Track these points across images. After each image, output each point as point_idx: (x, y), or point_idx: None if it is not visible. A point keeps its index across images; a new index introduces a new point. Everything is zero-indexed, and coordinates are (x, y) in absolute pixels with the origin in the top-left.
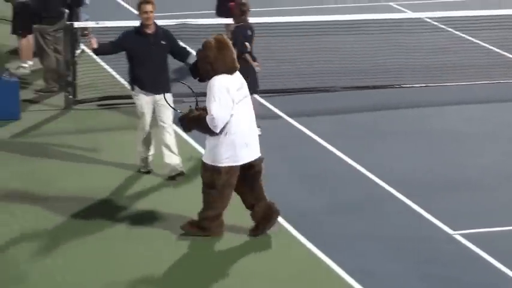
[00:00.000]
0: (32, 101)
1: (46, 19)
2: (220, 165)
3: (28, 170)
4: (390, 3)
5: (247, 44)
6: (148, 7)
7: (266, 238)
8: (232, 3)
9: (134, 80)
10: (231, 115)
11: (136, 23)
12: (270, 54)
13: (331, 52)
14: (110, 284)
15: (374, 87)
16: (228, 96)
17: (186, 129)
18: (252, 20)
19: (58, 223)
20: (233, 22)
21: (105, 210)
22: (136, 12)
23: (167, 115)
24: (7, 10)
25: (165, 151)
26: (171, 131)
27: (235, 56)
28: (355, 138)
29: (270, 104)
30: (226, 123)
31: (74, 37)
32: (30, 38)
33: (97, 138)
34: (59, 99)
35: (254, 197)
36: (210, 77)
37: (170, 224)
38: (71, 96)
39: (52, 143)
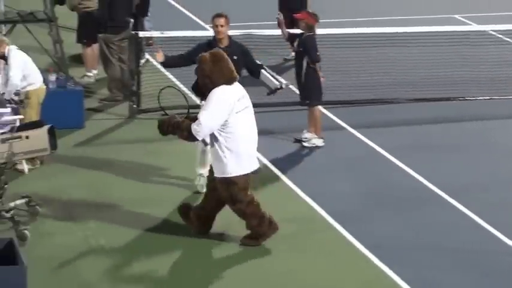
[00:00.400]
0: (96, 110)
1: (111, 28)
2: (230, 175)
3: (91, 178)
4: (455, 16)
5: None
6: (220, 21)
7: (327, 249)
8: (298, 15)
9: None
10: (229, 127)
11: (200, 33)
12: (334, 66)
13: (395, 64)
14: None
15: (437, 99)
16: (223, 110)
17: (163, 133)
18: (318, 31)
19: (120, 232)
20: (304, 31)
21: (167, 220)
22: (201, 22)
23: None
24: (72, 19)
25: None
26: None
27: (232, 66)
28: (417, 151)
29: (334, 115)
30: (228, 133)
31: (138, 46)
32: (95, 47)
33: (160, 148)
34: (123, 108)
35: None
36: (210, 90)
37: (226, 233)
38: (135, 106)
39: (115, 152)
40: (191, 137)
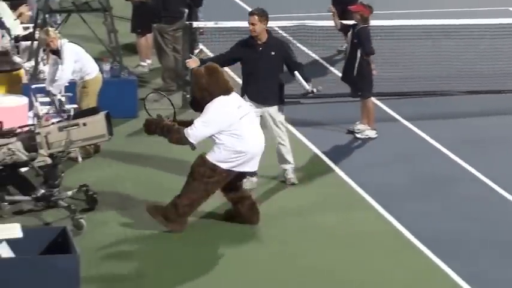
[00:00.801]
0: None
1: (165, 18)
2: (220, 165)
3: (143, 169)
4: (508, 8)
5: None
6: (252, 19)
7: (383, 242)
8: (353, 7)
9: (244, 89)
10: (238, 130)
11: None
12: (387, 58)
13: (449, 56)
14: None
15: (491, 91)
16: (219, 120)
17: (149, 132)
18: (373, 22)
19: None
20: (358, 23)
21: (216, 211)
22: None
23: (277, 128)
24: (127, 9)
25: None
26: (283, 143)
27: (227, 77)
28: (470, 143)
29: (387, 107)
30: (232, 140)
31: (192, 36)
32: (149, 37)
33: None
34: (176, 98)
35: (238, 196)
36: (208, 102)
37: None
38: (188, 96)
39: (168, 142)
40: (182, 140)
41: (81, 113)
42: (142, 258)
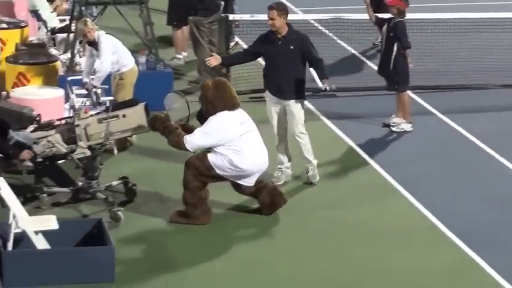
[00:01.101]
0: (185, 92)
1: (201, 11)
2: (216, 170)
3: (179, 161)
4: None
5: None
6: (271, 13)
7: (417, 235)
8: (389, 0)
9: (264, 83)
10: (238, 146)
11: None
12: (423, 51)
13: (485, 50)
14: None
15: None
16: (219, 133)
17: (152, 128)
18: (410, 15)
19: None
20: (394, 16)
21: (252, 201)
22: (290, 5)
23: (294, 123)
24: (163, 1)
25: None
26: (299, 139)
27: (235, 93)
28: (504, 135)
29: (423, 100)
30: (231, 153)
31: (228, 29)
32: (185, 29)
33: None
34: None
35: (253, 190)
36: (212, 115)
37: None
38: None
39: None
40: (180, 145)
41: (120, 105)
42: (177, 250)
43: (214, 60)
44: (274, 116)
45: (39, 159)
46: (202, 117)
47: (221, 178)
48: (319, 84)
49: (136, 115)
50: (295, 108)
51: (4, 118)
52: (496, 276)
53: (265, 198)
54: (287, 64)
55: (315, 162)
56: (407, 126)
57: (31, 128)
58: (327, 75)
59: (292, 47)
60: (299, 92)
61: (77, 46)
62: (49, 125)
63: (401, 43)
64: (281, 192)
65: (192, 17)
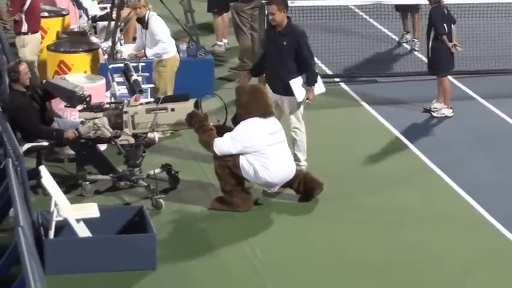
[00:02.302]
0: (226, 79)
1: None
2: (242, 172)
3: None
4: None
5: (445, 25)
6: (271, 8)
7: (460, 221)
8: None
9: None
10: (264, 157)
11: (327, 2)
12: (464, 35)
13: None
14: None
15: None
16: (246, 140)
17: (188, 123)
18: (448, 0)
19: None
20: (429, 3)
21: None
22: None
23: (289, 118)
24: None
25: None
26: (294, 135)
27: (270, 101)
28: None
29: (464, 85)
30: (258, 164)
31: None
32: (225, 16)
33: None
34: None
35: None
36: (243, 120)
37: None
38: (264, 75)
39: None
40: (209, 147)
41: (170, 98)
42: (218, 237)
43: (243, 79)
44: (275, 111)
45: (82, 141)
46: (235, 121)
47: (244, 179)
48: (297, 96)
49: (185, 111)
50: (288, 103)
51: (56, 94)
52: None
53: (300, 187)
54: (279, 59)
55: (304, 164)
56: (448, 112)
57: (80, 107)
58: (313, 84)
59: (285, 43)
60: (287, 88)
61: (118, 34)
62: (98, 108)
63: (436, 30)
64: (314, 177)
65: (233, 3)
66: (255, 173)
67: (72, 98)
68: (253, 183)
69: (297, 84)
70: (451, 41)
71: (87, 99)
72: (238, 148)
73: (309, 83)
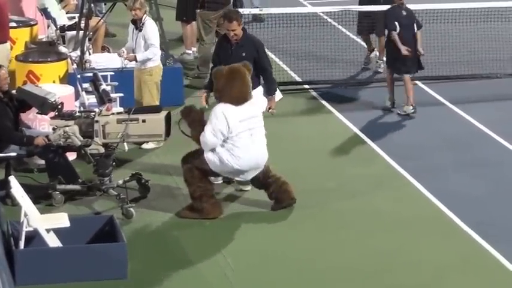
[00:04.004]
0: (195, 87)
1: (209, 4)
2: (210, 165)
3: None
4: None
5: (396, 23)
6: (232, 26)
7: (429, 225)
8: None
9: None
10: (232, 143)
11: (299, 10)
12: (433, 41)
13: (494, 39)
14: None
15: None
16: (222, 126)
17: (184, 116)
18: (418, 6)
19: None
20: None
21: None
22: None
23: None
24: None
25: None
26: None
27: (246, 88)
28: None
29: (433, 91)
30: (223, 151)
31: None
32: (194, 24)
33: None
34: None
35: (261, 183)
36: (218, 103)
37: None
38: None
39: None
40: (199, 143)
41: (143, 109)
42: (189, 245)
43: (204, 100)
44: None
45: (52, 148)
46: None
47: (215, 173)
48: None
49: (156, 123)
50: None
51: (28, 101)
52: (509, 265)
53: (272, 195)
54: None
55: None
56: (409, 109)
57: (52, 114)
58: (274, 93)
59: (244, 54)
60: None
61: (87, 43)
62: (70, 115)
63: (386, 25)
64: (288, 189)
65: (200, 10)
66: (220, 162)
67: (44, 105)
68: (223, 174)
69: (257, 94)
70: (412, 45)
71: (59, 106)
72: (220, 136)
73: (270, 92)
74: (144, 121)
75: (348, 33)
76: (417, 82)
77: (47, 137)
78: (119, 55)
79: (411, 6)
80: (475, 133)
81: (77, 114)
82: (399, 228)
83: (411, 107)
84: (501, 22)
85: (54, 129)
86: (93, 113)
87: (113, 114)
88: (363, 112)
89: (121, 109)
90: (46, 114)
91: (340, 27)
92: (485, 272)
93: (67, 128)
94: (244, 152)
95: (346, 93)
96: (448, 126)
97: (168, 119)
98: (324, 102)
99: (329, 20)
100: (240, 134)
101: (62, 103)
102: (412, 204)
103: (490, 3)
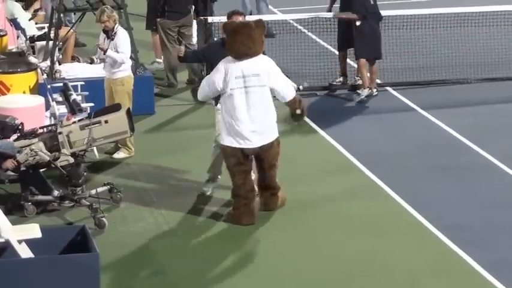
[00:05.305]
0: (165, 96)
1: (169, 14)
2: (223, 143)
3: (163, 165)
4: None
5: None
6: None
7: (400, 229)
8: None
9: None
10: (226, 99)
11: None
12: (404, 47)
13: (464, 44)
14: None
15: (508, 78)
16: (217, 80)
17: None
18: (388, 12)
19: (192, 218)
20: None
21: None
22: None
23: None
24: (142, 6)
25: None
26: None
27: (250, 41)
28: (489, 130)
29: (404, 97)
30: (222, 105)
31: (207, 32)
32: None
33: None
34: (192, 94)
35: (260, 184)
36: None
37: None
38: None
39: (186, 138)
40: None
41: (102, 111)
42: (162, 255)
43: (180, 51)
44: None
45: (23, 168)
46: None
47: (232, 152)
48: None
49: (119, 121)
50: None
51: None
52: (480, 269)
53: (261, 198)
54: None
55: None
56: (364, 92)
57: (14, 136)
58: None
59: None
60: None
61: (57, 53)
62: (32, 134)
63: (354, 5)
64: (274, 199)
65: (160, 19)
66: (224, 125)
67: (5, 129)
68: (232, 144)
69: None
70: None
71: (20, 127)
72: (213, 89)
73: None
74: (106, 122)
75: (318, 40)
76: (388, 88)
77: (15, 158)
78: (88, 61)
79: (382, 13)
80: (445, 138)
81: (39, 130)
82: (372, 233)
83: (368, 89)
84: (470, 27)
85: (19, 151)
86: (54, 126)
87: (74, 122)
88: (334, 119)
89: (80, 116)
90: (8, 137)
91: (310, 34)
92: (456, 275)
93: (33, 146)
94: (239, 112)
95: (316, 101)
96: (418, 131)
97: (129, 114)
98: None
99: (299, 27)
100: (235, 90)
101: (21, 123)
102: (384, 210)
103: (459, 9)
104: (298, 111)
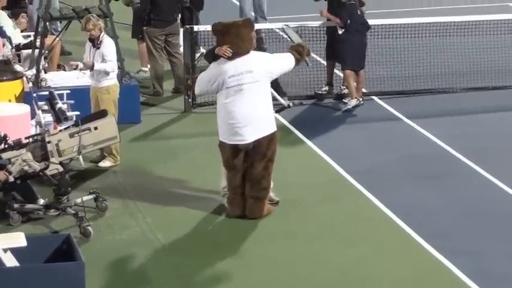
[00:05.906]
0: (151, 104)
1: (155, 22)
2: (219, 138)
3: (148, 174)
4: (509, 4)
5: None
6: None
7: (384, 238)
8: None
9: None
10: (221, 96)
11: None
12: (389, 56)
13: (449, 53)
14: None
15: (493, 88)
16: (210, 81)
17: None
18: (373, 21)
19: (178, 227)
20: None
21: (223, 214)
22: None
23: None
24: (127, 15)
25: None
26: None
27: (239, 40)
28: (473, 139)
29: (390, 106)
30: (218, 101)
31: (193, 40)
32: None
33: (216, 142)
34: (178, 102)
35: (247, 185)
36: None
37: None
38: (190, 100)
39: (172, 146)
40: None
41: (90, 117)
42: (148, 264)
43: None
44: None
45: (12, 179)
46: None
47: (226, 148)
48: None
49: (108, 126)
50: None
51: None
52: (465, 278)
53: (247, 202)
54: None
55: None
56: (352, 102)
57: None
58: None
59: None
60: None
61: (42, 62)
62: (18, 144)
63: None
64: (258, 208)
65: (146, 28)
66: (221, 119)
67: None
68: (228, 141)
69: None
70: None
71: (6, 138)
72: (205, 88)
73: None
74: (96, 128)
75: None
76: (373, 97)
77: (7, 170)
78: (73, 67)
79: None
80: (430, 147)
81: (25, 141)
82: (357, 242)
83: (356, 100)
84: (457, 36)
85: (11, 162)
86: (39, 136)
87: (60, 131)
88: (317, 127)
89: (66, 125)
90: None
91: None
92: (440, 285)
93: (23, 156)
94: (234, 107)
95: (303, 110)
96: (404, 140)
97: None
98: (279, 117)
99: (285, 36)
100: (231, 89)
101: (5, 134)
102: (368, 218)
103: (445, 18)
104: (307, 59)
